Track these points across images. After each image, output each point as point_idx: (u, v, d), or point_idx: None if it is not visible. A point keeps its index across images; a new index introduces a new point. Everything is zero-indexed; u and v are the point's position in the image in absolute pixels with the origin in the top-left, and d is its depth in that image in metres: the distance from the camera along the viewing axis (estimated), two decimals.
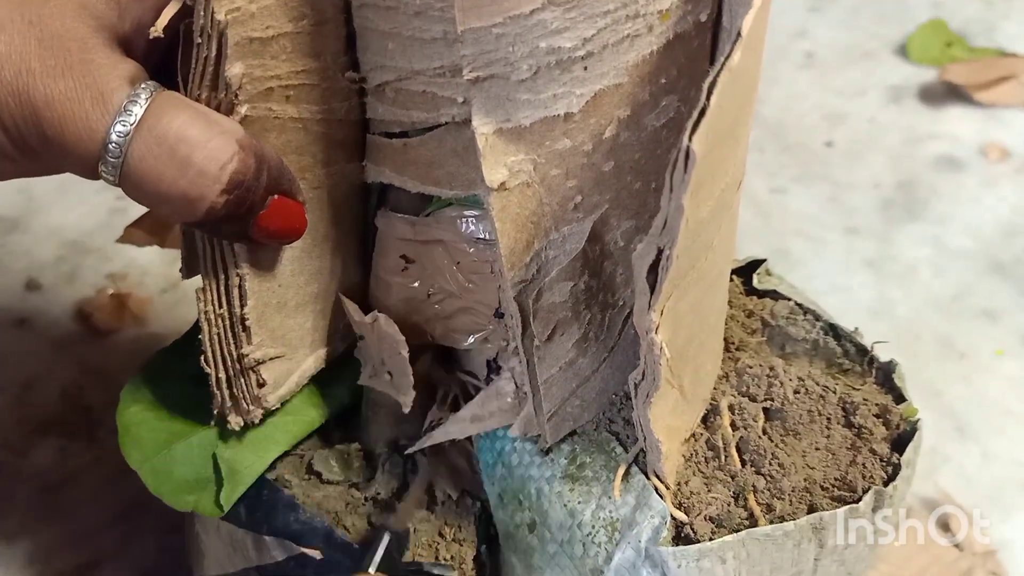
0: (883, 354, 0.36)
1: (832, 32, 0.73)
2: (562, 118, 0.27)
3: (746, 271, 0.39)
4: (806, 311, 0.37)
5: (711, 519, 0.30)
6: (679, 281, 0.26)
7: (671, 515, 0.30)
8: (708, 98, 0.21)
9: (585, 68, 0.26)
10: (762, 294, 0.38)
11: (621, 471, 0.31)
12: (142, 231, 0.39)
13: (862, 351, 0.36)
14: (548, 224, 0.28)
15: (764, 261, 0.39)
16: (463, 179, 0.29)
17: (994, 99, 0.65)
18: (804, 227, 0.60)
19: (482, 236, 0.31)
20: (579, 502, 0.31)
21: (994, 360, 0.53)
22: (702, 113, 0.21)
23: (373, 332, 0.33)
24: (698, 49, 0.28)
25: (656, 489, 0.30)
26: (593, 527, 0.31)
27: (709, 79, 0.22)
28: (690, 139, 0.21)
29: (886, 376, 0.35)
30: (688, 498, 0.31)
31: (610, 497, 0.31)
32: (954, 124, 0.66)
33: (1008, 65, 0.67)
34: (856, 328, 0.36)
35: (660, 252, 0.24)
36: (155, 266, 0.55)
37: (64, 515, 0.45)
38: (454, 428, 0.34)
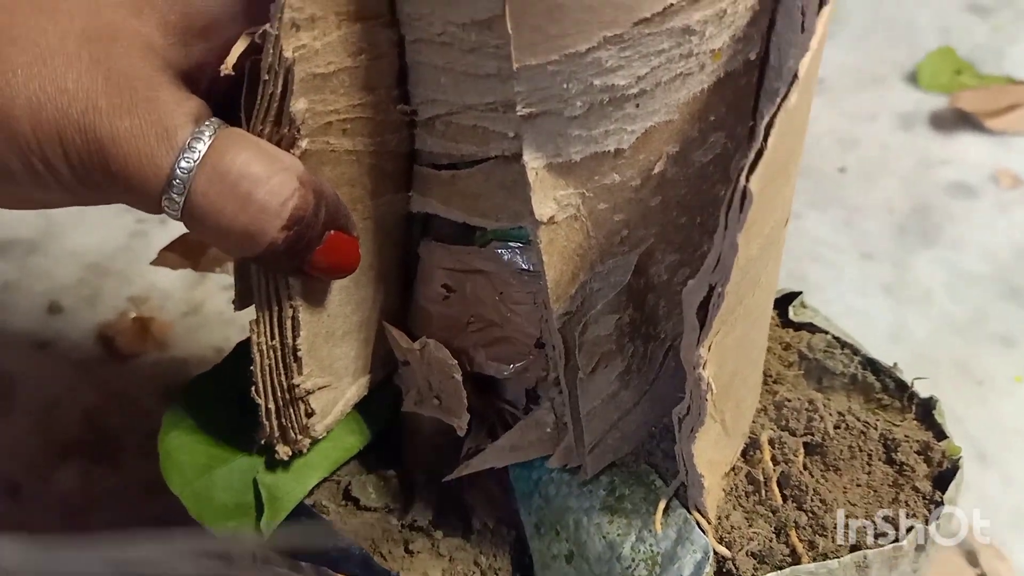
0: (923, 390, 0.36)
1: (842, 58, 0.74)
2: (612, 154, 0.27)
3: (781, 303, 0.38)
4: (844, 344, 0.37)
5: (753, 555, 0.30)
6: (727, 317, 0.26)
7: (713, 550, 0.30)
8: (766, 139, 0.21)
9: (637, 105, 0.26)
10: (798, 326, 0.38)
11: (662, 505, 0.31)
12: (176, 254, 0.39)
13: (901, 386, 0.36)
14: (594, 257, 0.29)
15: (800, 294, 0.39)
16: (510, 211, 0.29)
17: (1004, 126, 0.66)
18: (820, 252, 0.60)
19: (526, 267, 0.31)
20: (618, 534, 0.31)
21: (1013, 386, 0.53)
22: (759, 154, 0.21)
23: (422, 358, 0.33)
24: (745, 87, 0.28)
25: (698, 523, 0.30)
26: (633, 560, 0.31)
27: (766, 119, 0.22)
28: (747, 179, 0.21)
29: (926, 412, 0.35)
30: (729, 532, 0.31)
31: (650, 530, 0.31)
32: (965, 150, 0.66)
33: (1018, 93, 0.68)
34: (895, 364, 0.36)
35: (711, 289, 0.24)
36: (177, 290, 0.55)
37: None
38: (492, 457, 0.34)
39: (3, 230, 0.58)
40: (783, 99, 0.22)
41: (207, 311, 0.53)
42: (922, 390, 0.36)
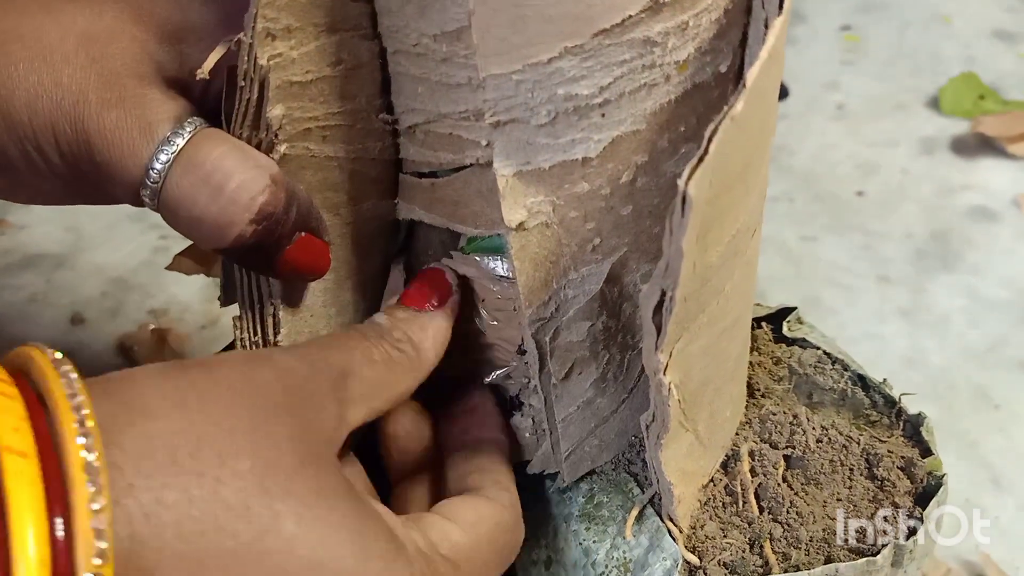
0: (912, 406, 0.35)
1: (864, 84, 0.74)
2: (580, 162, 0.27)
3: (776, 318, 0.39)
4: (835, 360, 0.37)
5: (725, 565, 0.30)
6: (688, 324, 0.27)
7: (683, 558, 0.30)
8: (708, 145, 0.22)
9: (603, 115, 0.27)
10: (791, 342, 0.38)
11: (634, 512, 0.31)
12: (190, 260, 0.40)
13: (891, 403, 0.35)
14: (567, 264, 0.29)
15: (795, 309, 0.39)
16: (487, 218, 0.30)
17: None
18: (836, 275, 0.60)
19: (505, 274, 0.31)
20: (594, 541, 0.32)
21: None
22: (700, 159, 0.22)
23: None
24: (718, 99, 0.29)
25: (669, 531, 0.30)
26: (606, 567, 0.31)
27: (711, 127, 0.22)
28: (686, 184, 0.22)
29: (914, 429, 0.35)
30: (703, 542, 0.31)
31: (624, 537, 0.31)
32: (987, 176, 0.65)
33: None
34: (885, 379, 0.36)
35: (664, 294, 0.25)
36: (195, 303, 0.57)
37: None
38: None
39: (33, 245, 0.60)
40: (730, 107, 0.23)
41: (223, 324, 0.55)
42: (911, 407, 0.35)
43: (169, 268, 0.41)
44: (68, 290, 0.58)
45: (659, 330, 0.26)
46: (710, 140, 0.22)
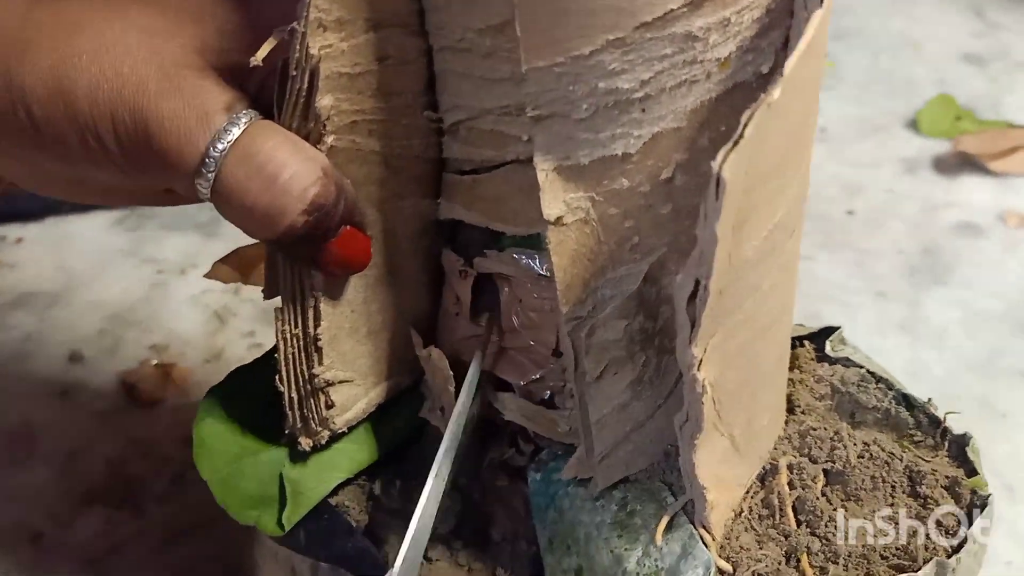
0: (956, 426, 0.34)
1: (843, 108, 0.75)
2: (620, 158, 0.27)
3: (819, 337, 0.38)
4: (879, 379, 0.36)
5: None
6: (724, 320, 0.26)
7: (716, 566, 0.29)
8: (743, 129, 0.22)
9: (643, 110, 0.27)
10: (833, 361, 0.37)
11: (666, 518, 0.31)
12: (228, 267, 0.40)
13: (935, 422, 0.35)
14: (605, 262, 0.29)
15: (838, 329, 0.38)
16: (526, 216, 0.30)
17: (1007, 168, 0.67)
18: (833, 292, 0.60)
19: (543, 273, 0.31)
20: (625, 549, 0.31)
21: None
22: (736, 143, 0.22)
23: (429, 366, 0.33)
24: None
25: (701, 538, 0.30)
26: (638, 574, 0.30)
27: (747, 112, 0.22)
28: (720, 167, 0.22)
29: (960, 449, 0.34)
30: (737, 553, 0.30)
31: (656, 545, 0.30)
32: (970, 192, 0.67)
33: (1018, 136, 0.70)
34: (930, 399, 0.35)
35: (698, 283, 0.24)
36: (197, 337, 0.56)
37: None
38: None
39: (25, 283, 0.59)
40: (767, 94, 0.23)
41: (228, 357, 0.54)
42: (955, 426, 0.35)
43: (207, 276, 0.41)
44: (64, 328, 0.56)
45: (693, 322, 0.25)
46: (746, 125, 0.22)
